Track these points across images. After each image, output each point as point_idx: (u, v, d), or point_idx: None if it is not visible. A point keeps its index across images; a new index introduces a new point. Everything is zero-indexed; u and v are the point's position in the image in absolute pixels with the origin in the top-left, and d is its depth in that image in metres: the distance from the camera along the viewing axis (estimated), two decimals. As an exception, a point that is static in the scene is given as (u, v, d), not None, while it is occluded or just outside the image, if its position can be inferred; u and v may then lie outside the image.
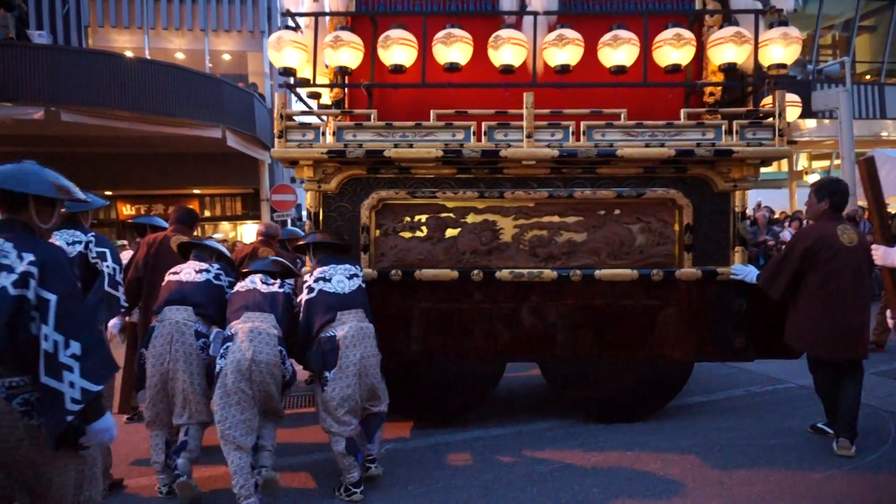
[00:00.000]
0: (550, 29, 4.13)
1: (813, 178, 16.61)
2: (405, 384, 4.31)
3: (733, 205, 4.05)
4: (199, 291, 3.54)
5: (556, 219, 4.15)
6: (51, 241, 2.33)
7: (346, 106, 4.62)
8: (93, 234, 3.60)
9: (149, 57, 15.30)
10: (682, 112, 4.04)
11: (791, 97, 4.50)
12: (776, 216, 12.21)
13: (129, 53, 15.54)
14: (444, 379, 4.34)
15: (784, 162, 19.23)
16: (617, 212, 4.13)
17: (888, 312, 3.09)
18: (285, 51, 4.11)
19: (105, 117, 10.68)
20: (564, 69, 4.05)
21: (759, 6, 4.10)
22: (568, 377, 4.40)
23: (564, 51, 3.97)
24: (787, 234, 5.32)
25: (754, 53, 3.99)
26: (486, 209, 4.18)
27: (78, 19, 15.71)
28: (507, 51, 3.98)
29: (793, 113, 4.45)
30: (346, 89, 4.57)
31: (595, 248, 4.14)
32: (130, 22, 15.91)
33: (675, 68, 4.01)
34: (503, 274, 4.10)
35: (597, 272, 4.09)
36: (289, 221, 15.73)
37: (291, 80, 4.33)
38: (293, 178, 23.59)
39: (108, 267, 3.53)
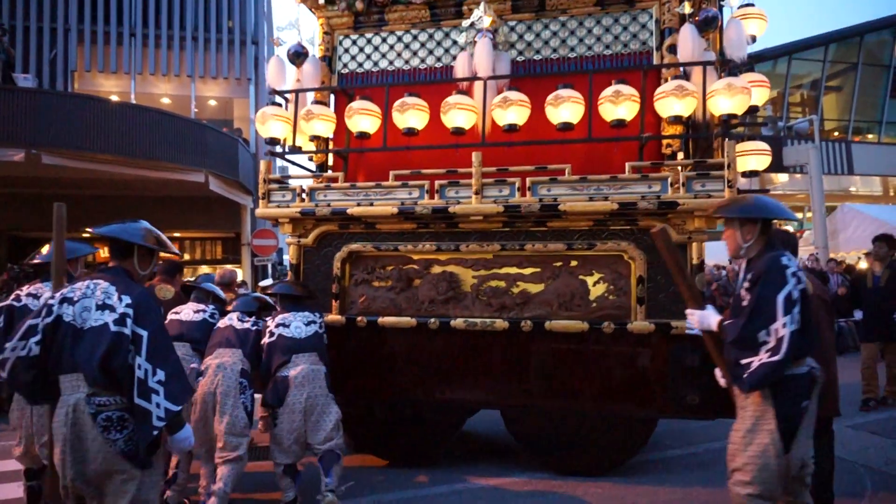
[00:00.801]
0: (500, 92, 4.31)
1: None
2: (371, 422, 4.52)
3: (689, 257, 3.94)
4: (197, 329, 3.99)
5: (513, 270, 4.27)
6: (145, 286, 2.87)
7: (334, 169, 4.92)
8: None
9: (134, 101, 15.44)
10: (627, 165, 4.07)
11: (759, 145, 4.50)
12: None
13: (114, 98, 15.68)
14: (411, 418, 4.52)
15: (758, 214, 19.68)
16: (574, 263, 4.17)
17: (717, 372, 2.90)
18: (269, 123, 4.57)
19: (86, 160, 10.68)
20: (511, 128, 4.23)
21: (711, 57, 4.10)
22: (527, 426, 4.40)
23: (509, 111, 4.17)
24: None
25: (702, 105, 3.97)
26: (448, 261, 4.36)
27: (65, 63, 15.87)
28: (455, 115, 4.25)
29: (762, 162, 4.37)
30: (328, 154, 4.93)
31: (547, 300, 4.19)
32: (118, 67, 16.10)
33: (620, 123, 4.06)
34: (457, 323, 4.22)
35: (547, 323, 4.12)
36: (269, 266, 15.66)
37: (277, 149, 4.75)
38: (275, 223, 23.68)
39: None
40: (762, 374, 2.52)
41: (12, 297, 3.62)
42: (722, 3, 4.43)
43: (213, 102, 18.55)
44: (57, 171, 10.71)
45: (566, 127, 4.13)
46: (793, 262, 2.67)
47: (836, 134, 19.41)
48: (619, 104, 3.98)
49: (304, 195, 4.51)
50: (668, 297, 3.97)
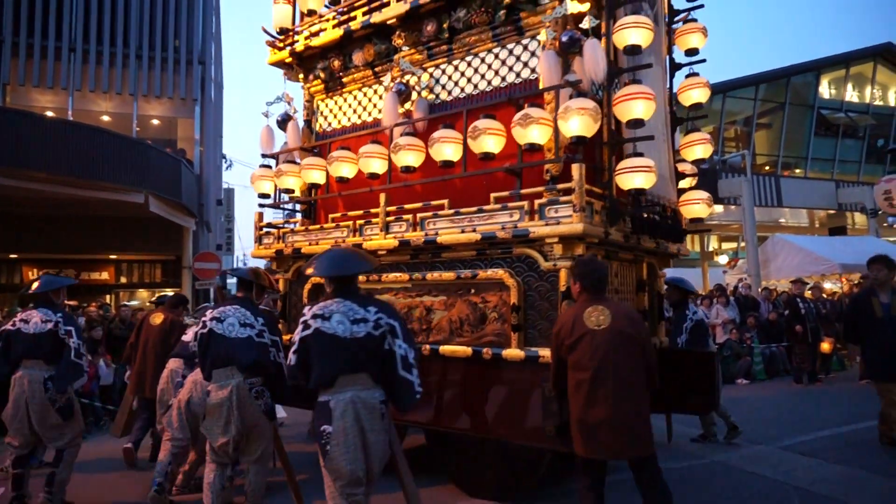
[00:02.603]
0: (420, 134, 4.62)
1: (723, 259, 17.77)
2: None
3: (559, 284, 3.82)
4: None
5: (426, 298, 4.48)
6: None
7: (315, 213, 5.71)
8: (61, 314, 4.40)
9: (71, 118, 14.89)
10: (492, 196, 4.17)
11: (700, 194, 4.63)
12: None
13: (50, 114, 15.10)
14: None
15: (696, 242, 20.56)
16: (473, 290, 4.27)
17: None
18: (259, 182, 5.53)
19: (18, 178, 10.22)
20: (407, 170, 4.49)
21: (571, 79, 3.96)
22: (442, 444, 4.56)
23: (398, 156, 4.47)
24: (700, 313, 5.52)
25: (555, 130, 3.91)
26: (382, 290, 4.72)
27: (-3, 77, 15.21)
28: (367, 162, 4.71)
29: (647, 179, 3.87)
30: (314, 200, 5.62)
31: (444, 326, 4.37)
32: (54, 82, 15.50)
33: (487, 156, 4.11)
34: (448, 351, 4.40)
35: (441, 347, 4.26)
36: (211, 290, 15.22)
37: (267, 201, 5.67)
38: (219, 246, 23.05)
39: (73, 342, 4.32)
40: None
41: (10, 322, 4.52)
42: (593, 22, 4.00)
43: (156, 122, 18.08)
44: (-18, 187, 10.20)
45: (446, 164, 4.33)
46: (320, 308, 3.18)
47: (766, 168, 20.51)
48: (489, 136, 4.02)
49: (281, 238, 5.39)
50: (547, 326, 3.86)
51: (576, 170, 3.72)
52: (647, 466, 3.25)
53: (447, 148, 4.29)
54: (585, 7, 4.07)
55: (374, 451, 3.01)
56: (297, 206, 5.77)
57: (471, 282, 4.23)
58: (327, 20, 5.32)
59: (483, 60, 4.63)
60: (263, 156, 5.58)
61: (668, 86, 5.02)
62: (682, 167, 5.02)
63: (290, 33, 5.61)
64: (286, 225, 5.56)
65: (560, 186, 3.88)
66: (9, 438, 4.28)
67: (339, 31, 5.19)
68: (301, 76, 5.78)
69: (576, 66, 4.01)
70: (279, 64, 5.75)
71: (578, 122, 3.66)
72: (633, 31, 3.84)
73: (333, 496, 3.02)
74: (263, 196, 5.58)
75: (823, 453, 5.42)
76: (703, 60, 5.05)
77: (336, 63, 5.39)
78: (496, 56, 4.54)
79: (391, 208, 4.67)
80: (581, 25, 4.02)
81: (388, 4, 4.87)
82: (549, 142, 3.97)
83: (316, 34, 5.39)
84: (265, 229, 5.59)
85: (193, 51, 17.02)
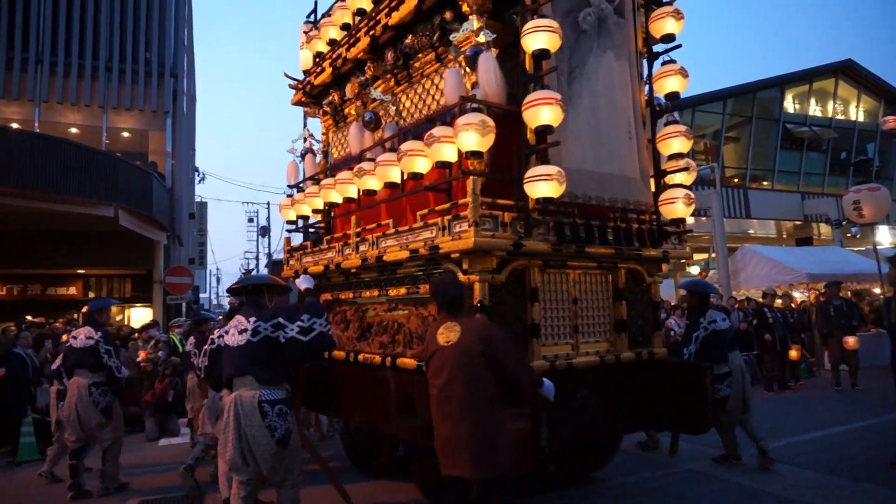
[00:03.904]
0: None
1: (695, 270, 18.02)
2: None
3: (473, 298, 3.79)
4: None
5: (397, 313, 4.57)
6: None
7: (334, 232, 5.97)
8: (102, 333, 5.35)
9: (38, 130, 14.58)
10: (417, 214, 4.26)
11: (677, 192, 4.47)
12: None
13: (15, 125, 14.77)
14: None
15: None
16: (421, 305, 4.28)
17: None
18: (286, 210, 6.03)
19: (-20, 191, 9.96)
20: (369, 192, 4.70)
21: (467, 95, 3.94)
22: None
23: (362, 180, 4.65)
24: (721, 322, 5.18)
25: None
26: (363, 304, 5.01)
27: (-40, 88, 14.83)
28: (343, 188, 4.99)
29: (552, 189, 3.68)
30: (329, 220, 5.97)
31: (400, 340, 4.42)
32: (20, 94, 15.17)
33: (415, 175, 4.17)
34: (360, 357, 4.71)
35: (398, 359, 4.26)
36: (183, 305, 14.95)
37: (294, 227, 6.18)
38: (191, 260, 22.67)
39: (112, 361, 5.31)
40: None
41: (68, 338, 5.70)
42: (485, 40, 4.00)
43: (126, 134, 17.78)
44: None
45: (391, 185, 4.46)
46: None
47: (735, 180, 20.95)
48: (408, 158, 4.10)
49: (298, 259, 5.87)
50: None
51: (469, 184, 3.72)
52: (483, 489, 3.12)
53: (389, 171, 4.39)
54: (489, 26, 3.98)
55: (254, 444, 3.48)
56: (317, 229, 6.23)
57: (417, 296, 4.31)
58: (327, 59, 5.78)
59: (433, 82, 4.72)
60: (289, 186, 6.17)
61: (641, 80, 4.71)
62: (667, 165, 4.68)
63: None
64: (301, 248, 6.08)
65: (461, 201, 3.86)
66: (66, 434, 5.39)
67: (329, 69, 5.65)
68: (319, 112, 6.35)
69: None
70: (300, 103, 6.40)
71: (465, 137, 3.66)
72: (539, 36, 3.73)
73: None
74: (291, 223, 6.16)
75: (795, 459, 5.51)
76: (679, 46, 4.66)
77: (336, 98, 5.86)
78: (441, 77, 4.55)
79: (358, 229, 5.07)
80: (479, 39, 3.97)
81: (359, 40, 5.18)
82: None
83: (319, 73, 5.88)
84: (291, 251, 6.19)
85: (165, 63, 16.82)
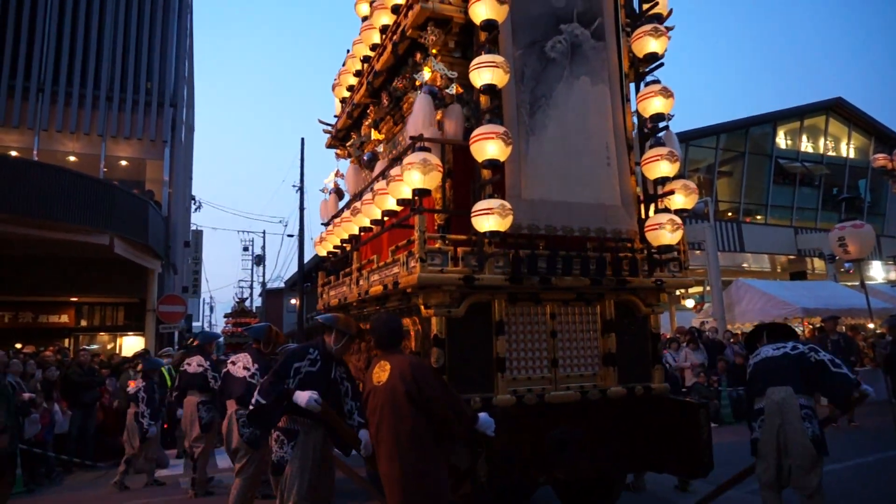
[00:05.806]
0: None
1: (689, 303, 18.00)
2: None
3: (430, 331, 3.82)
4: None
5: None
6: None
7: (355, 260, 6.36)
8: (210, 362, 6.38)
9: (37, 158, 14.63)
10: (390, 250, 4.55)
11: (660, 218, 4.28)
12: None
13: (13, 153, 14.82)
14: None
15: (664, 287, 20.82)
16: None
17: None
18: (319, 247, 6.56)
19: (-25, 218, 9.93)
20: (366, 229, 5.14)
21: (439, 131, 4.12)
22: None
23: (356, 219, 5.12)
24: (668, 357, 5.29)
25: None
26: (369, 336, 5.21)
27: (-41, 115, 14.92)
28: (346, 225, 5.44)
29: (499, 223, 3.67)
30: (353, 252, 6.29)
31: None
32: (21, 122, 15.27)
33: (388, 213, 4.56)
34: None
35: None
36: (175, 334, 14.83)
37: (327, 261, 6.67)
38: (185, 288, 22.53)
39: (217, 385, 5.93)
40: None
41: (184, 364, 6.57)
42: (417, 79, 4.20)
43: (124, 163, 17.85)
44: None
45: (376, 222, 4.83)
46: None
47: (729, 214, 21.10)
48: (379, 197, 4.45)
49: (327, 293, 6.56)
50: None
51: (416, 221, 3.80)
52: None
53: (371, 209, 4.76)
54: (453, 74, 4.06)
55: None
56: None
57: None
58: (347, 104, 6.21)
59: None
60: (323, 224, 6.65)
61: (626, 102, 4.61)
62: (665, 189, 4.49)
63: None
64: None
65: (414, 237, 3.92)
66: (186, 444, 6.47)
67: (344, 114, 6.21)
68: (346, 154, 6.94)
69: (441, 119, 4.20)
70: (331, 146, 7.03)
71: (409, 176, 3.75)
72: (483, 72, 3.76)
73: None
74: (324, 259, 6.70)
75: (793, 495, 5.42)
76: (662, 65, 4.58)
77: (355, 139, 6.36)
78: None
79: (357, 265, 5.66)
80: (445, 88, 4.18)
81: (363, 85, 5.51)
82: (436, 191, 4.08)
83: (341, 118, 6.44)
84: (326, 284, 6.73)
85: (165, 93, 16.99)
